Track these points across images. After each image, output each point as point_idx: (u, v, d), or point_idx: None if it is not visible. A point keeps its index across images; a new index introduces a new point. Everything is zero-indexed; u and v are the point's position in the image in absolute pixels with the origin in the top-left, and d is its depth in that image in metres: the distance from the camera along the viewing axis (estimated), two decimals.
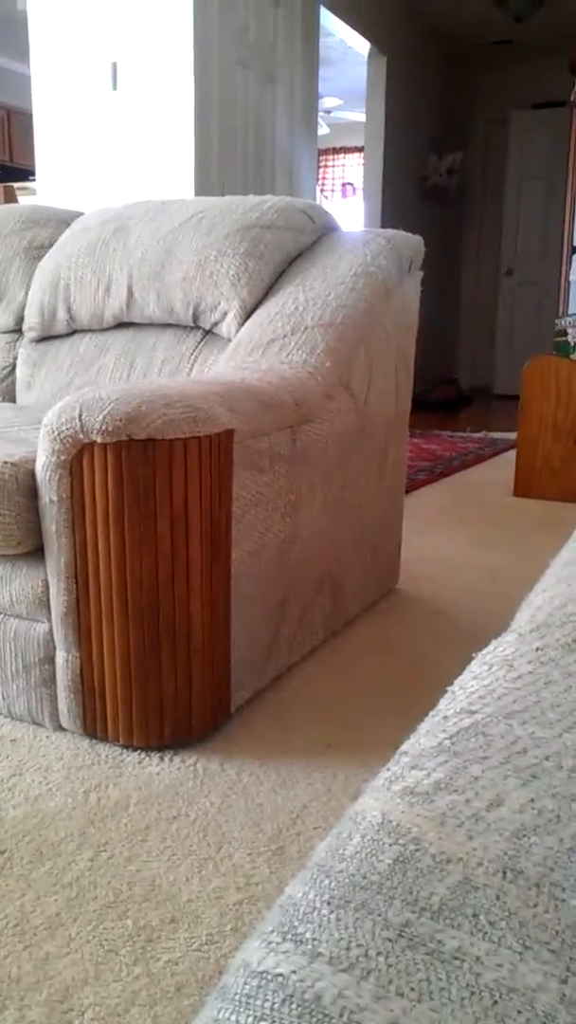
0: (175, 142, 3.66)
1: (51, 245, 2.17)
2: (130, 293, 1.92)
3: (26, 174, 4.70)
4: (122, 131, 3.74)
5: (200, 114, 3.66)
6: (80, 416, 1.23)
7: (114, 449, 1.23)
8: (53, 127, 3.85)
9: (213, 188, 3.80)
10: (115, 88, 3.75)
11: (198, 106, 3.63)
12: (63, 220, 2.23)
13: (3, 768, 1.34)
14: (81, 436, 1.23)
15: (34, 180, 4.13)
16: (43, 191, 3.90)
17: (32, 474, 1.32)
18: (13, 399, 2.14)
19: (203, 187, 3.72)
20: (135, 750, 1.39)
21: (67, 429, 1.24)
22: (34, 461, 1.33)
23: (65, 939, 1.00)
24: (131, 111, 3.72)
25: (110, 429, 1.21)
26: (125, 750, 1.39)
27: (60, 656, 1.37)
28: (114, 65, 3.73)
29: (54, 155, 3.86)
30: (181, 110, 3.62)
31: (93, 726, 1.39)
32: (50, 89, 3.83)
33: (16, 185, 4.17)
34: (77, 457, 1.25)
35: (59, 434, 1.25)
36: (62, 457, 1.26)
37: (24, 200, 4.10)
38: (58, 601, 1.34)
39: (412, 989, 0.34)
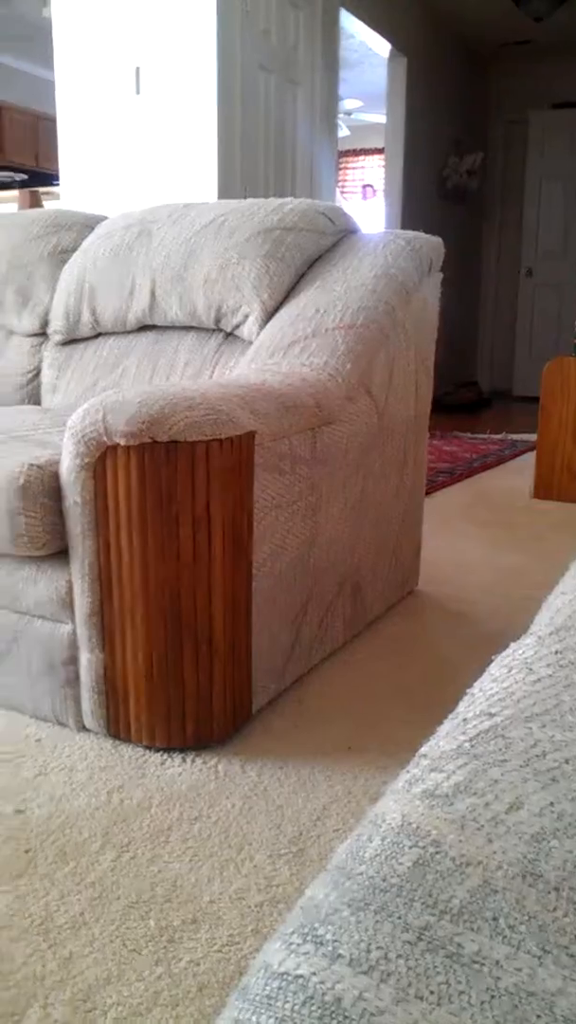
0: (198, 146, 3.68)
1: (75, 249, 2.18)
2: (153, 296, 1.93)
3: (51, 179, 4.73)
4: (145, 135, 3.76)
5: (222, 118, 3.67)
6: (104, 419, 1.24)
7: (137, 451, 1.23)
8: (77, 132, 3.88)
9: (235, 191, 3.81)
10: (138, 93, 3.77)
11: (220, 110, 3.65)
12: (87, 224, 2.25)
13: (28, 768, 1.36)
14: (105, 438, 1.24)
15: (59, 185, 4.16)
16: (67, 196, 3.93)
17: (57, 476, 1.33)
18: (38, 402, 2.16)
19: (225, 190, 3.74)
20: (157, 751, 1.40)
21: (91, 432, 1.25)
22: (59, 463, 1.34)
23: (88, 938, 1.00)
24: (154, 115, 3.74)
25: (133, 431, 1.21)
26: (147, 751, 1.40)
27: (84, 657, 1.38)
28: (137, 70, 3.75)
29: (78, 160, 3.89)
30: (204, 114, 3.64)
31: (116, 727, 1.40)
32: (74, 94, 3.86)
33: (41, 190, 4.20)
34: (101, 459, 1.27)
35: (83, 436, 1.26)
36: (86, 459, 1.27)
37: (49, 205, 4.13)
38: (82, 602, 1.35)
39: (432, 992, 0.35)
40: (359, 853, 0.44)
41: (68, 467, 1.30)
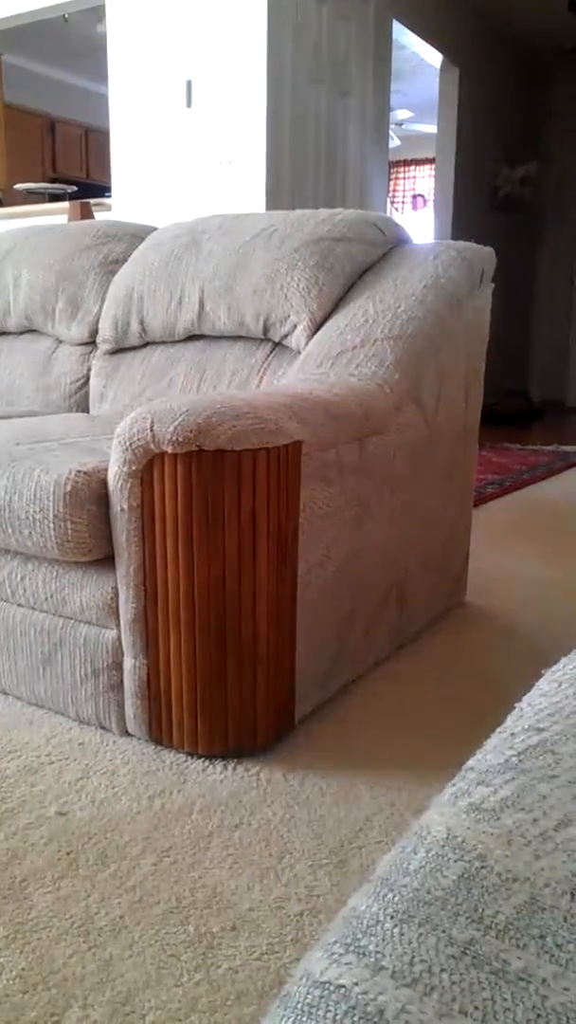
0: (247, 157, 3.71)
1: (125, 259, 2.22)
2: (201, 306, 1.95)
3: (102, 190, 4.81)
4: (195, 147, 3.81)
5: (272, 129, 3.70)
6: (152, 427, 1.25)
7: (184, 460, 1.24)
8: (129, 144, 3.93)
9: (284, 202, 3.83)
10: (189, 105, 3.82)
11: (270, 122, 3.68)
12: (137, 235, 2.28)
13: (71, 771, 1.37)
14: (152, 446, 1.25)
15: (109, 196, 4.23)
16: (118, 206, 3.99)
17: (104, 483, 1.35)
18: (86, 409, 2.19)
19: (274, 201, 3.76)
20: (199, 757, 1.40)
21: (139, 439, 1.26)
22: (106, 470, 1.36)
23: (128, 941, 1.01)
24: (204, 128, 3.78)
25: (181, 440, 1.22)
26: (189, 757, 1.40)
27: (128, 662, 1.39)
28: (188, 83, 3.80)
29: (129, 171, 3.95)
30: (254, 126, 3.67)
31: (159, 732, 1.41)
32: (126, 107, 3.92)
33: (92, 201, 4.27)
34: (148, 467, 1.28)
35: (131, 444, 1.27)
36: (133, 467, 1.29)
37: (100, 216, 4.20)
38: (127, 608, 1.36)
39: (476, 1008, 0.34)
40: (403, 865, 0.43)
41: (115, 474, 1.31)
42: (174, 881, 1.11)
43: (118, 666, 1.41)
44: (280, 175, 3.78)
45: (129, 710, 1.42)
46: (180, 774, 1.36)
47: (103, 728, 1.48)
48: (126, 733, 1.46)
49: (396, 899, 0.40)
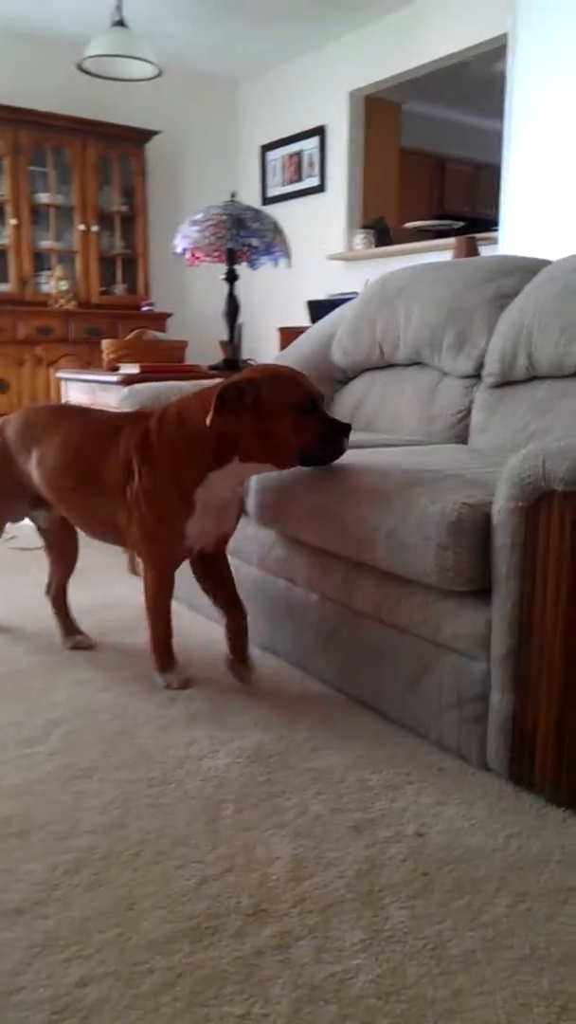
0: None
1: (516, 294, 2.22)
2: None
3: (487, 224, 4.88)
4: None
5: None
6: (544, 464, 1.24)
7: (574, 500, 1.22)
8: (523, 178, 3.94)
9: None
10: None
11: None
12: (530, 269, 2.27)
13: (430, 794, 1.40)
14: (543, 484, 1.25)
15: (496, 230, 4.26)
16: (509, 241, 4.00)
17: (487, 517, 1.36)
18: (465, 441, 2.23)
19: None
20: (559, 807, 1.35)
21: (529, 476, 1.26)
22: (490, 504, 1.37)
23: (479, 978, 1.01)
24: None
25: (574, 479, 1.20)
26: (549, 804, 1.36)
27: (495, 697, 1.39)
28: None
29: (522, 205, 3.95)
30: None
31: (519, 772, 1.38)
32: (523, 142, 3.93)
33: (478, 236, 4.34)
34: (535, 504, 1.27)
35: (520, 480, 1.27)
36: (520, 503, 1.28)
37: (484, 250, 4.25)
38: (499, 643, 1.36)
39: None
40: None
41: (501, 508, 1.32)
42: (529, 928, 1.09)
43: (484, 699, 1.42)
44: None
45: (491, 745, 1.41)
46: (539, 819, 1.32)
47: (462, 757, 1.49)
48: (485, 767, 1.46)
49: None
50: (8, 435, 1.94)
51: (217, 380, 1.91)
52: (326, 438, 1.62)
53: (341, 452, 1.66)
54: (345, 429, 1.64)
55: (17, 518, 2.06)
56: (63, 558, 2.09)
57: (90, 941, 1.06)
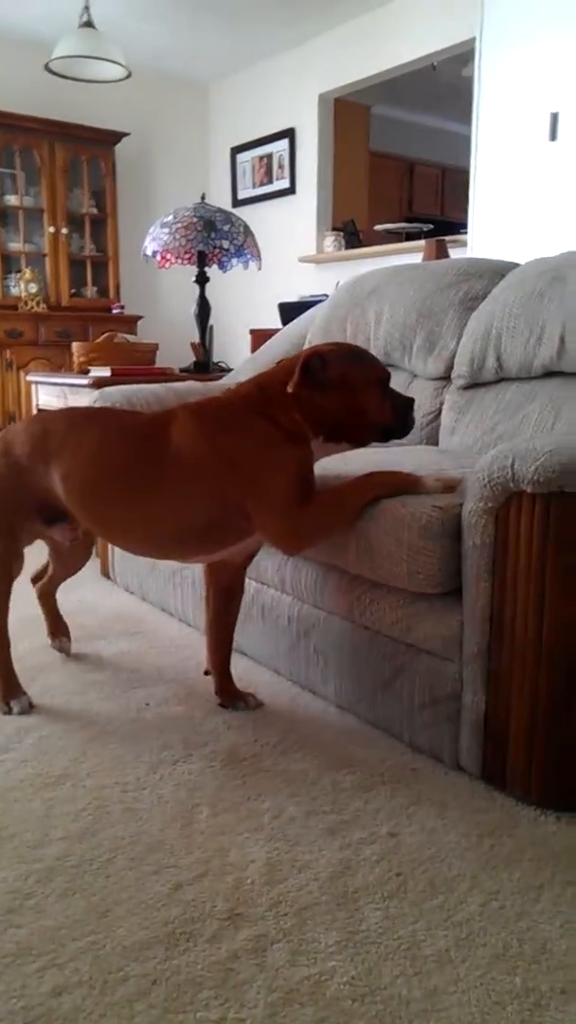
0: None
1: (485, 296, 2.24)
2: (562, 342, 1.91)
3: (456, 227, 4.92)
4: (559, 181, 3.74)
5: None
6: (512, 465, 1.25)
7: (543, 500, 1.23)
8: (490, 181, 3.97)
9: None
10: (554, 139, 3.76)
11: None
12: (498, 272, 2.29)
13: (403, 794, 1.40)
14: (511, 485, 1.26)
15: (464, 233, 4.29)
16: (477, 244, 4.03)
17: (457, 518, 1.37)
18: (436, 442, 2.24)
19: None
20: (531, 805, 1.36)
21: (498, 477, 1.27)
22: (460, 506, 1.38)
23: (454, 977, 1.01)
24: (570, 161, 3.70)
25: (542, 480, 1.21)
26: (521, 803, 1.37)
27: (467, 697, 1.40)
28: (554, 116, 3.75)
29: (490, 208, 3.98)
30: None
31: (491, 771, 1.39)
32: (490, 145, 3.96)
33: (448, 239, 4.37)
34: (504, 505, 1.28)
35: (489, 481, 1.29)
36: (490, 504, 1.30)
37: (454, 253, 4.28)
38: (470, 643, 1.37)
39: None
40: None
41: (471, 510, 1.33)
42: (501, 926, 1.10)
43: (457, 698, 1.43)
44: None
45: (464, 744, 1.42)
46: (511, 818, 1.33)
47: (435, 758, 1.50)
48: (458, 767, 1.47)
49: None
50: (16, 451, 1.67)
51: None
52: (402, 412, 1.59)
53: (413, 425, 1.62)
54: (411, 403, 1.61)
55: (32, 539, 1.79)
56: (70, 562, 2.01)
57: (64, 950, 1.06)
